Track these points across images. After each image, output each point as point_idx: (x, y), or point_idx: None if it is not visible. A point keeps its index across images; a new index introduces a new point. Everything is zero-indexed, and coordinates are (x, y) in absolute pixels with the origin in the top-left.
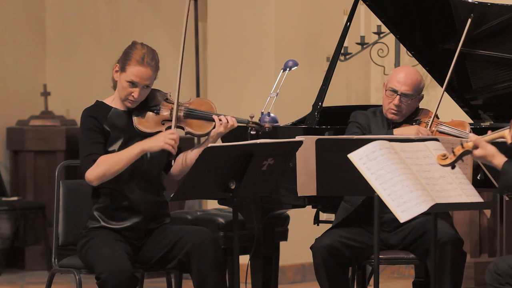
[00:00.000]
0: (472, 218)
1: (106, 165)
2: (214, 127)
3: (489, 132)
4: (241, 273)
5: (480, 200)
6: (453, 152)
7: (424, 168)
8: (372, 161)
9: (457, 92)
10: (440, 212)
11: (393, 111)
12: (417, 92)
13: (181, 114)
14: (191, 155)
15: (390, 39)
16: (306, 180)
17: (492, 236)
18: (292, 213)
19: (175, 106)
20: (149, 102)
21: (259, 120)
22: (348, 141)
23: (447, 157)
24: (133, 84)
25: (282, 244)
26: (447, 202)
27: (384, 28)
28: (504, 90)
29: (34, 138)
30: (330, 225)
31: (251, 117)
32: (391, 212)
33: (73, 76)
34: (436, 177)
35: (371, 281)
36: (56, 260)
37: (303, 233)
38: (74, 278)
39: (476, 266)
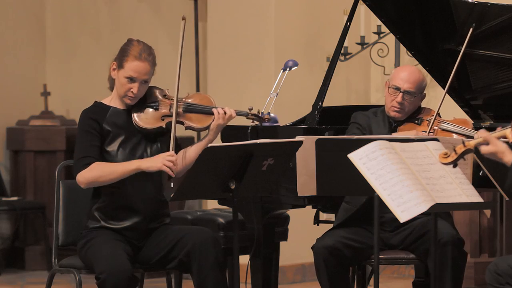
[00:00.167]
0: (472, 218)
1: (99, 172)
2: (213, 120)
3: (499, 128)
4: (241, 273)
5: (480, 200)
6: (454, 150)
7: (424, 168)
8: (372, 161)
9: (457, 92)
10: (441, 212)
11: (395, 108)
12: (419, 91)
13: (180, 109)
14: (190, 152)
15: (390, 39)
16: (306, 180)
17: (492, 236)
18: (292, 213)
19: (175, 101)
20: (148, 99)
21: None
22: (348, 141)
23: (448, 155)
24: (131, 79)
25: (282, 244)
26: (447, 202)
27: (384, 28)
28: (504, 90)
29: (34, 138)
30: (330, 225)
31: (250, 109)
32: (392, 212)
33: (73, 76)
34: (436, 177)
35: (371, 281)
36: (56, 260)
37: (303, 233)
38: (74, 278)
39: (476, 266)
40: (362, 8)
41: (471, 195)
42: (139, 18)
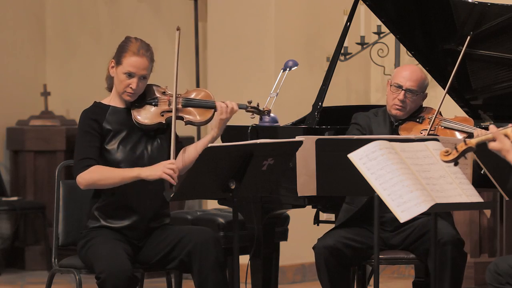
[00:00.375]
0: (472, 218)
1: (99, 176)
2: (213, 115)
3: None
4: (241, 273)
5: (480, 200)
6: (456, 148)
7: (424, 168)
8: (372, 161)
9: (457, 92)
10: (441, 212)
11: (397, 106)
12: (421, 89)
13: (180, 104)
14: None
15: (390, 39)
16: (306, 180)
17: (492, 236)
18: (292, 213)
19: (174, 96)
20: (147, 96)
21: (260, 120)
22: (348, 141)
23: (450, 153)
24: (130, 75)
25: (282, 244)
26: (447, 202)
27: (384, 28)
28: (504, 90)
29: (34, 138)
30: (330, 225)
31: (249, 102)
32: (392, 212)
33: (73, 76)
34: (436, 177)
35: (371, 281)
36: (56, 260)
37: (303, 233)
38: (74, 278)
39: (476, 266)
40: (362, 8)
41: (471, 195)
42: (139, 18)
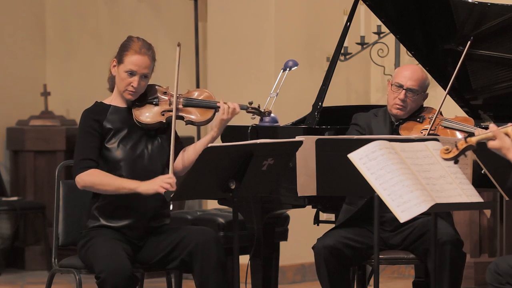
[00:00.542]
0: (472, 218)
1: (97, 180)
2: (214, 115)
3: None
4: (241, 273)
5: (480, 200)
6: (456, 146)
7: (424, 168)
8: (372, 161)
9: (457, 92)
10: (441, 212)
11: (398, 106)
12: (422, 89)
13: (180, 104)
14: (194, 149)
15: (390, 39)
16: (306, 180)
17: (492, 236)
18: (292, 213)
19: (174, 95)
20: (148, 95)
21: (260, 120)
22: (348, 141)
23: (450, 151)
24: (131, 73)
25: (282, 244)
26: (447, 202)
27: (384, 28)
28: (504, 90)
29: (34, 138)
30: (330, 225)
31: (250, 103)
32: (392, 212)
33: (73, 76)
34: (436, 177)
35: (371, 281)
36: (56, 260)
37: (303, 233)
38: (74, 278)
39: (476, 266)
40: (362, 8)
41: (471, 195)
42: (139, 18)
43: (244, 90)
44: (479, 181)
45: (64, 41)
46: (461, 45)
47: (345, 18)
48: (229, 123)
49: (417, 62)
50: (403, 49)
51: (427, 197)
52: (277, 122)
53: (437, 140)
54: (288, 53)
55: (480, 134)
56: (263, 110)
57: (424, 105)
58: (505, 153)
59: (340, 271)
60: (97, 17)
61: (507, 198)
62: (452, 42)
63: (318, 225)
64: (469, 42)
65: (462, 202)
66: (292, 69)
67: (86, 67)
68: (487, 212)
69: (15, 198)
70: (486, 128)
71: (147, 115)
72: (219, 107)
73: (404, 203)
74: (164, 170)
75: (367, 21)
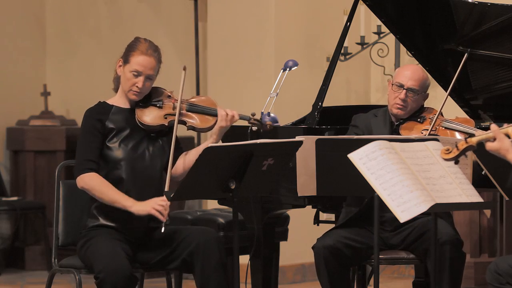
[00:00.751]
0: (472, 218)
1: (96, 186)
2: (215, 122)
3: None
4: (241, 273)
5: (480, 200)
6: (456, 146)
7: (424, 168)
8: (372, 161)
9: (457, 92)
10: (441, 212)
11: (398, 105)
12: (423, 89)
13: (184, 108)
14: (191, 155)
15: (390, 39)
16: (306, 180)
17: (492, 236)
18: (292, 213)
19: (178, 100)
20: (152, 97)
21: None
22: (348, 141)
23: (450, 151)
24: (137, 74)
25: (282, 244)
26: (447, 202)
27: (384, 28)
28: (504, 90)
29: (34, 138)
30: (330, 225)
31: (253, 115)
32: (392, 212)
33: (73, 76)
34: (436, 177)
35: (371, 281)
36: (56, 260)
37: (303, 233)
38: (74, 278)
39: (476, 266)
40: (362, 8)
41: (471, 195)
42: (139, 18)
43: (244, 90)
44: (479, 181)
45: (64, 41)
46: (461, 45)
47: (345, 18)
48: None
49: (417, 62)
50: (403, 49)
51: (427, 197)
52: (277, 122)
53: (437, 140)
54: (288, 53)
55: (480, 134)
56: (265, 123)
57: (424, 106)
58: (504, 154)
59: (340, 271)
60: (97, 17)
61: (507, 198)
62: (452, 42)
63: (318, 225)
64: (466, 55)
65: (462, 202)
66: (292, 69)
67: (86, 67)
68: (487, 212)
69: (15, 198)
70: (486, 128)
71: (150, 117)
72: (221, 114)
73: (404, 203)
74: (162, 173)
75: (367, 21)
